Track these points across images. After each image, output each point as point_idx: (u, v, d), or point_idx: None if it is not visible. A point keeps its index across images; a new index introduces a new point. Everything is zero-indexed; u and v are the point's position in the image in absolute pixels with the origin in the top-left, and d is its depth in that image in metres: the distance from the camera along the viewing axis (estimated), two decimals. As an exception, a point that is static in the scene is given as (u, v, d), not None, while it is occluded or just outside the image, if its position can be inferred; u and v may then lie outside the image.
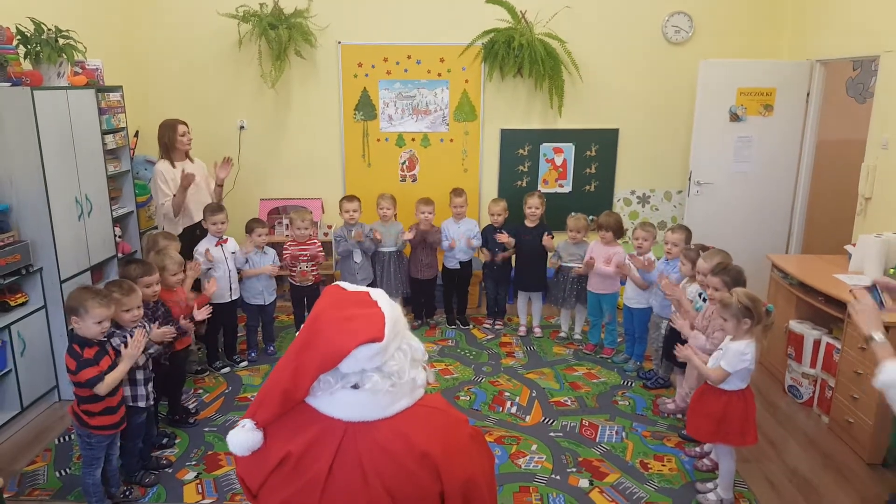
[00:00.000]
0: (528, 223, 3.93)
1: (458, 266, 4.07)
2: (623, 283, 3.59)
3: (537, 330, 4.06)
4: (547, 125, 4.52)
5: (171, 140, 3.55)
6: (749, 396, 2.35)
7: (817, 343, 3.08)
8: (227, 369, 3.54)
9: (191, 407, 3.10)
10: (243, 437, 1.06)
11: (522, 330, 4.07)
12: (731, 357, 2.27)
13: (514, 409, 3.12)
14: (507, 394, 3.28)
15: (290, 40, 4.12)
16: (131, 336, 2.36)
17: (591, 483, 2.55)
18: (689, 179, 4.36)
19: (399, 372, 1.04)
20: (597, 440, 2.86)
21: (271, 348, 3.76)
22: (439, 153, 4.55)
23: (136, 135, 4.06)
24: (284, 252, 3.71)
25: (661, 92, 4.45)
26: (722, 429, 2.31)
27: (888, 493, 2.44)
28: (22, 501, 2.44)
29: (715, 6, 4.33)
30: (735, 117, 4.23)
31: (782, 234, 4.42)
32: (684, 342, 2.77)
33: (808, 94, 4.18)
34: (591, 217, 4.01)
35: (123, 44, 4.18)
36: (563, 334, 4.01)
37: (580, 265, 3.66)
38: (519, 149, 4.57)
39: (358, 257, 3.86)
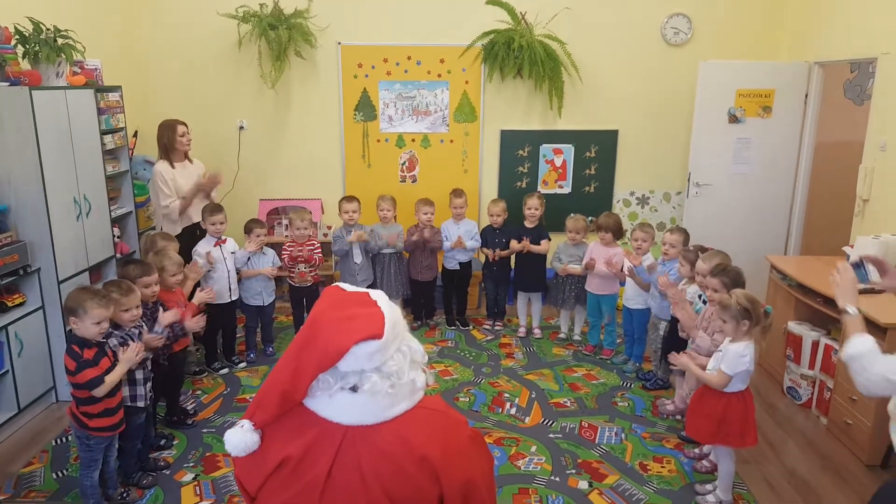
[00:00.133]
0: (528, 224, 3.93)
1: (457, 267, 4.07)
2: (622, 284, 3.59)
3: (537, 331, 4.06)
4: (547, 126, 4.52)
5: (170, 140, 3.55)
6: (748, 397, 2.35)
7: (816, 344, 3.08)
8: (225, 370, 3.53)
9: (189, 408, 3.09)
10: (240, 438, 1.06)
11: (522, 331, 4.07)
12: (730, 359, 2.27)
13: (513, 411, 3.12)
14: (506, 395, 3.27)
15: (290, 41, 4.12)
16: (129, 336, 2.35)
17: (590, 485, 2.55)
18: (689, 181, 4.36)
19: (398, 373, 1.03)
20: (596, 441, 2.86)
21: (270, 349, 3.75)
22: (439, 154, 4.55)
23: (135, 135, 4.05)
24: (283, 253, 3.70)
25: (661, 93, 4.46)
26: (722, 430, 2.31)
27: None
28: (18, 503, 2.43)
29: (714, 8, 4.34)
30: (734, 119, 4.24)
31: (781, 236, 4.43)
32: (684, 343, 2.77)
33: (806, 96, 4.19)
34: (590, 218, 4.01)
35: (122, 44, 4.17)
36: (562, 335, 4.01)
37: (578, 266, 3.66)
38: (519, 150, 4.57)
39: (358, 258, 3.85)
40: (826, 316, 3.03)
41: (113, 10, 4.08)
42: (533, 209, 3.90)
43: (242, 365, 3.60)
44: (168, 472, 2.61)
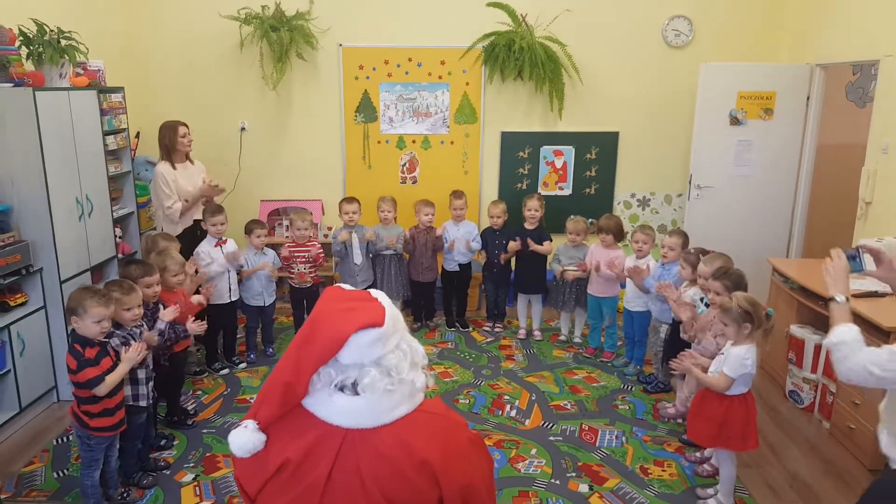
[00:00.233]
0: (528, 226, 3.93)
1: (457, 268, 4.07)
2: (623, 286, 3.59)
3: (537, 333, 4.05)
4: (547, 128, 4.52)
5: (171, 141, 3.56)
6: (750, 401, 2.34)
7: (818, 348, 3.07)
8: (225, 371, 3.53)
9: (189, 408, 3.09)
10: (246, 438, 1.05)
11: (522, 333, 4.06)
12: (732, 362, 2.26)
13: (513, 413, 3.11)
14: (506, 397, 3.27)
15: (292, 42, 4.13)
16: (131, 336, 2.36)
17: (590, 488, 2.54)
18: (690, 183, 4.36)
19: (397, 367, 1.03)
20: (597, 444, 2.85)
21: (270, 350, 3.76)
22: (440, 155, 4.56)
23: (137, 136, 4.06)
24: (284, 251, 3.71)
25: (662, 95, 4.45)
26: (723, 433, 2.30)
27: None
28: (19, 502, 2.44)
29: (715, 10, 4.34)
30: (735, 121, 4.23)
31: (783, 238, 4.42)
32: (685, 346, 2.76)
33: (808, 98, 4.19)
34: (590, 220, 4.01)
35: (125, 45, 4.19)
36: (562, 337, 4.00)
37: (574, 268, 3.65)
38: (519, 151, 4.57)
39: (358, 259, 3.86)
40: (828, 319, 3.02)
41: (116, 11, 4.10)
42: (533, 211, 3.89)
43: (243, 365, 3.60)
44: (168, 473, 2.61)
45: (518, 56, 4.18)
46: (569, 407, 3.18)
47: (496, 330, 4.14)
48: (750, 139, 4.26)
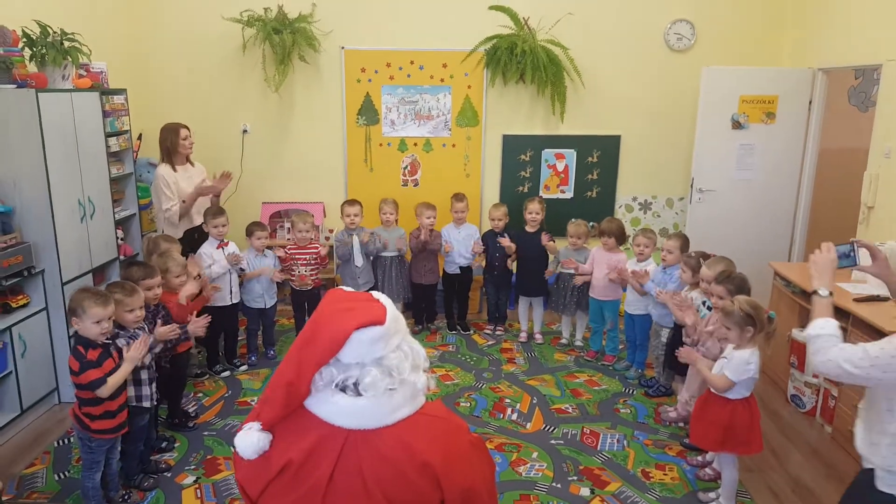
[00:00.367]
0: (529, 229, 3.93)
1: (458, 271, 4.07)
2: (625, 289, 3.58)
3: (538, 336, 4.05)
4: (549, 131, 4.53)
5: (173, 144, 3.56)
6: (753, 404, 2.34)
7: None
8: (226, 373, 3.53)
9: (190, 410, 3.09)
10: (252, 439, 1.05)
11: (523, 336, 4.06)
12: (735, 366, 2.25)
13: (514, 416, 3.11)
14: (507, 400, 3.26)
15: (294, 45, 4.14)
16: (134, 338, 2.36)
17: (592, 492, 2.54)
18: (691, 186, 4.36)
19: (398, 367, 1.03)
20: (598, 448, 2.84)
21: (271, 352, 3.75)
22: (441, 158, 4.56)
23: (140, 137, 4.07)
24: (283, 253, 3.71)
25: (664, 99, 4.46)
26: (728, 437, 2.29)
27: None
28: (20, 504, 2.44)
29: (717, 14, 4.35)
30: (737, 125, 4.23)
31: (784, 242, 4.42)
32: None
33: (810, 103, 4.19)
34: (591, 223, 4.01)
35: (128, 47, 4.20)
36: (564, 341, 4.00)
37: (578, 273, 3.65)
38: (521, 154, 4.57)
39: (359, 261, 3.86)
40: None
41: (119, 13, 4.11)
42: (534, 213, 3.90)
43: (244, 368, 3.60)
44: (169, 475, 2.60)
45: (520, 59, 4.19)
46: (570, 410, 3.18)
47: (497, 333, 4.14)
48: (752, 143, 4.26)
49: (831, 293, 1.64)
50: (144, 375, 2.43)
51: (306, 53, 4.25)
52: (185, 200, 3.53)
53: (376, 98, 4.44)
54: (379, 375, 1.02)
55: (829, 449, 2.90)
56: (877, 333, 2.55)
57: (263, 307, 3.62)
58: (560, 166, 4.60)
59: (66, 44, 3.12)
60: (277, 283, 3.67)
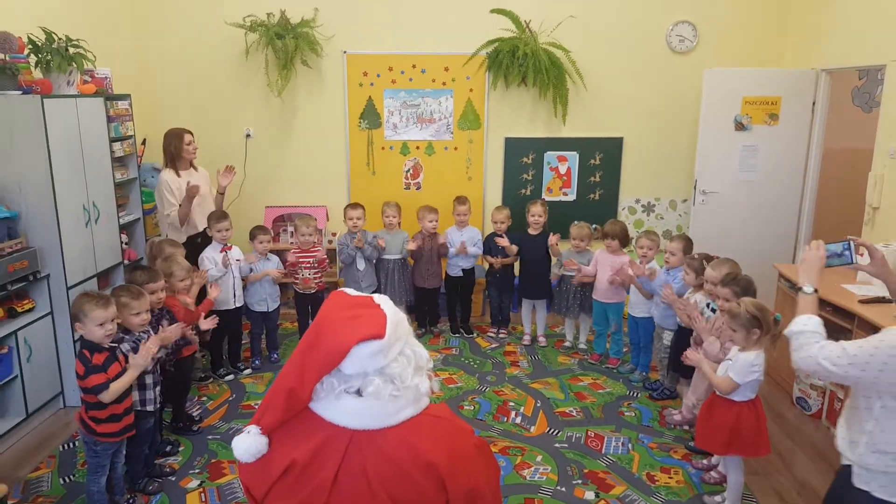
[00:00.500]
0: (532, 231, 3.93)
1: (461, 274, 4.07)
2: (629, 291, 3.57)
3: (542, 339, 4.04)
4: (551, 134, 4.53)
5: (177, 149, 3.58)
6: (759, 406, 2.32)
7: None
8: (230, 377, 3.53)
9: (195, 414, 3.09)
10: (249, 443, 1.05)
11: (527, 339, 4.05)
12: (740, 368, 2.24)
13: (518, 420, 3.10)
14: (511, 403, 3.25)
15: (297, 50, 4.16)
16: (139, 342, 2.36)
17: (596, 495, 2.53)
18: (695, 188, 4.35)
19: (401, 376, 1.03)
20: (603, 451, 2.83)
21: (275, 356, 3.76)
22: (443, 161, 4.57)
23: (144, 143, 4.10)
24: (289, 258, 3.72)
25: (666, 101, 4.45)
26: (735, 440, 2.28)
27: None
28: (25, 509, 2.44)
29: (719, 15, 4.35)
30: (740, 126, 4.23)
31: (789, 244, 4.40)
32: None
33: (813, 103, 4.18)
34: (594, 226, 4.00)
35: (132, 53, 4.23)
36: (567, 343, 3.99)
37: (579, 262, 3.64)
38: (523, 157, 4.57)
39: (361, 265, 3.86)
40: (835, 325, 3.00)
41: (123, 19, 4.14)
42: (536, 216, 3.89)
43: (247, 371, 3.60)
44: (174, 479, 2.61)
45: (522, 62, 4.19)
46: (574, 413, 3.16)
47: (500, 336, 4.13)
48: (755, 144, 4.24)
49: (816, 290, 1.63)
50: (149, 379, 2.44)
51: (309, 58, 4.27)
52: (180, 205, 3.52)
53: (378, 102, 4.46)
54: (381, 384, 1.02)
55: (835, 451, 2.86)
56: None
57: (267, 310, 3.63)
58: (562, 169, 4.60)
59: (71, 50, 3.14)
60: (281, 286, 3.68)
